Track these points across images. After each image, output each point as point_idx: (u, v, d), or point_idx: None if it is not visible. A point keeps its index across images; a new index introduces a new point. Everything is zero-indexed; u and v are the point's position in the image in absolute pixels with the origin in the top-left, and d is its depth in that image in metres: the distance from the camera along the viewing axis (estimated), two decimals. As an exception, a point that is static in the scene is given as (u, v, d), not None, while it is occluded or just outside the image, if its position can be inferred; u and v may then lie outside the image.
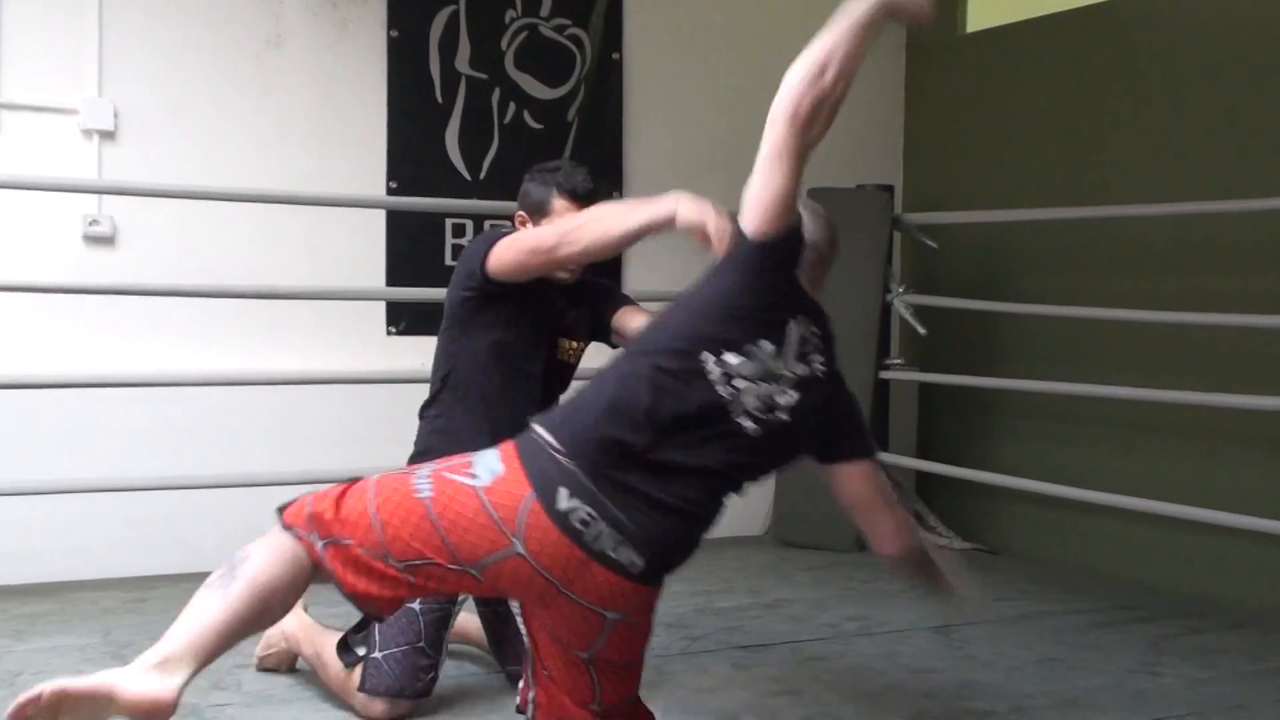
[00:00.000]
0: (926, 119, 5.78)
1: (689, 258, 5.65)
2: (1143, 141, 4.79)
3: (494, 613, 3.25)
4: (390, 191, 4.87)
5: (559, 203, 3.06)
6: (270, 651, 3.34)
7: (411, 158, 4.90)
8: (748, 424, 2.26)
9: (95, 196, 4.42)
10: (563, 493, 2.14)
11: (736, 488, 2.36)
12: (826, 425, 2.38)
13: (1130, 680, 3.34)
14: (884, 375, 5.22)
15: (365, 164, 4.87)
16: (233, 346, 4.58)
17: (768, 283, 2.33)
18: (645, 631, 2.35)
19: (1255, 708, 3.13)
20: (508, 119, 5.08)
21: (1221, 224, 4.44)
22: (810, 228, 2.47)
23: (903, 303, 5.17)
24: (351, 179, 4.80)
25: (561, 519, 2.13)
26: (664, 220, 2.66)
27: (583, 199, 3.05)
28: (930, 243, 5.23)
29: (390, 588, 2.17)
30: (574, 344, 3.21)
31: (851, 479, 2.43)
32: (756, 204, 2.36)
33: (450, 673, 3.27)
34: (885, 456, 5.21)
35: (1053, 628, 3.89)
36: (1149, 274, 4.75)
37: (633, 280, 5.29)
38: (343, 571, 2.15)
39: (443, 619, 3.03)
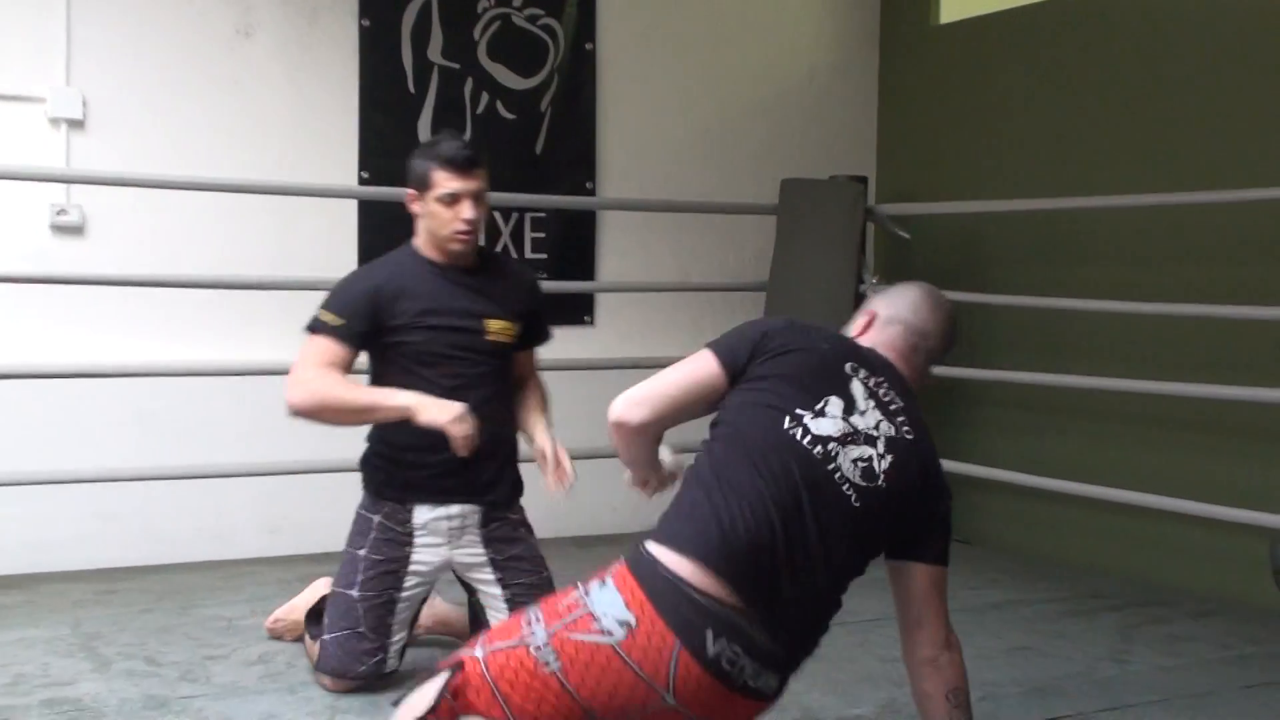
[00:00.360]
0: (900, 110, 5.79)
1: (658, 249, 5.64)
2: (1117, 132, 4.81)
3: (478, 603, 3.25)
4: (362, 182, 4.85)
5: (439, 174, 3.10)
6: (279, 623, 3.53)
7: (383, 148, 4.87)
8: (852, 494, 2.20)
9: (63, 186, 4.39)
10: (709, 636, 2.05)
11: (853, 571, 2.27)
12: (917, 510, 2.30)
13: (1099, 668, 3.36)
14: (857, 366, 5.22)
15: (337, 154, 4.85)
16: (202, 337, 4.55)
17: (778, 362, 2.30)
18: None
19: (1222, 694, 3.16)
20: (480, 109, 5.06)
21: (1195, 215, 4.47)
22: (916, 309, 2.46)
23: (876, 294, 5.17)
24: (323, 169, 4.78)
25: (713, 664, 2.05)
26: (398, 411, 3.01)
27: (461, 167, 3.09)
28: (904, 233, 5.24)
29: None
30: (504, 324, 3.21)
31: (916, 575, 2.32)
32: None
33: (424, 662, 3.26)
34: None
35: (1023, 616, 3.91)
36: (1121, 265, 4.77)
37: (606, 271, 5.29)
38: None
39: (386, 604, 3.09)
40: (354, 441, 3.32)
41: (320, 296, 4.68)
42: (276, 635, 3.52)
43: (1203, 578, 4.40)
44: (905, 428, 2.29)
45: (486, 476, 3.15)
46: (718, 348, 2.36)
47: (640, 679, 2.04)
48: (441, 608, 3.48)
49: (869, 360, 2.36)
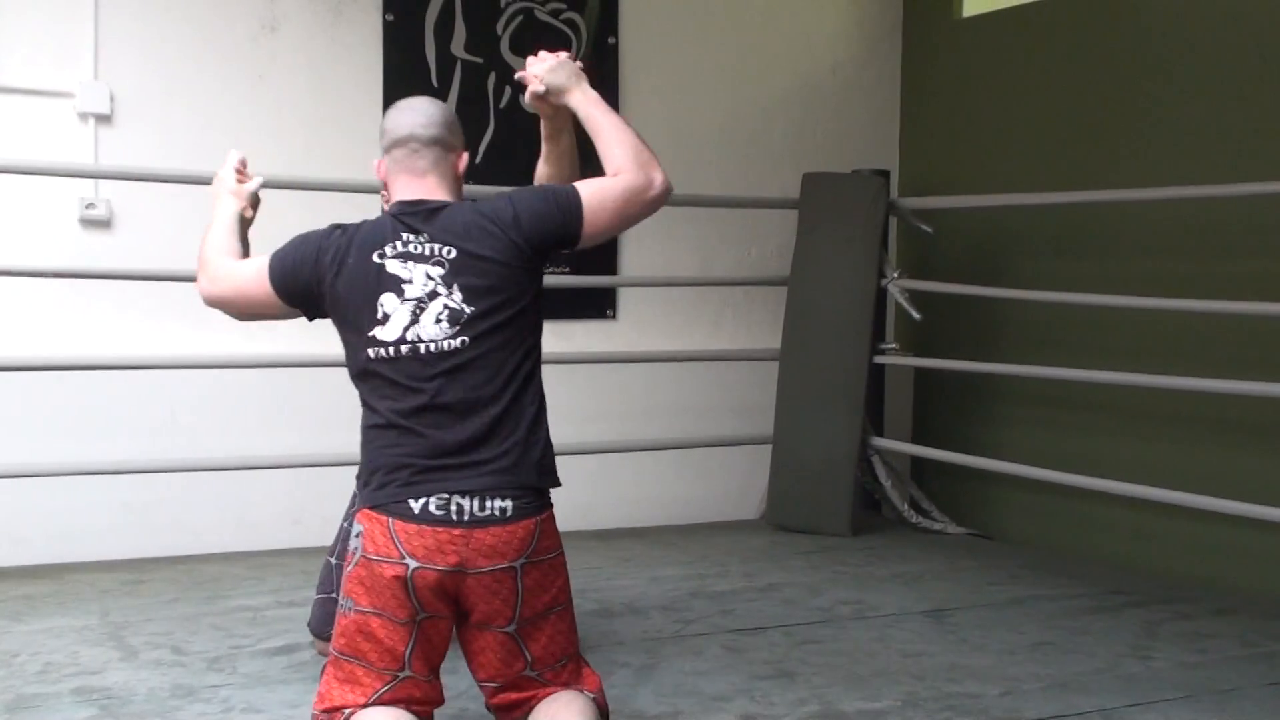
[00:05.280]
0: (923, 103, 5.78)
1: (680, 244, 5.64)
2: (1140, 125, 4.79)
3: None
4: (386, 176, 4.87)
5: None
6: None
7: (407, 142, 4.89)
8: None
9: (92, 180, 4.43)
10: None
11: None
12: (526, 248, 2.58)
13: (1121, 664, 3.36)
14: (879, 360, 5.23)
15: (361, 148, 4.85)
16: (230, 330, 4.55)
17: None
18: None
19: (1246, 691, 3.15)
20: (503, 103, 5.08)
21: (1219, 208, 4.45)
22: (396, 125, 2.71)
23: (898, 287, 5.17)
24: (347, 163, 4.79)
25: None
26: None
27: None
28: (926, 227, 5.24)
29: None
30: None
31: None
32: None
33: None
34: (880, 442, 5.23)
35: (1045, 612, 3.91)
36: (1144, 259, 4.76)
37: (628, 265, 5.30)
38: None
39: None
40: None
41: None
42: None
43: (1226, 574, 4.38)
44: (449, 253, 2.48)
45: None
46: None
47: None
48: None
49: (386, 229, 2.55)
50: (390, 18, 4.89)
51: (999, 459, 4.97)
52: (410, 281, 2.46)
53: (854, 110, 5.78)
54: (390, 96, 4.88)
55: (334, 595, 3.25)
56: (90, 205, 4.44)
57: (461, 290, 2.46)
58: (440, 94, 4.95)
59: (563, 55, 2.76)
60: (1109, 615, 3.88)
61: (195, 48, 4.61)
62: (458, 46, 5.01)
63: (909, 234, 5.53)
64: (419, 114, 2.63)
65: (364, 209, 4.77)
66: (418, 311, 2.45)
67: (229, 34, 4.66)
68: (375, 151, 4.94)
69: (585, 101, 2.70)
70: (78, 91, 4.43)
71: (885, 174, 5.36)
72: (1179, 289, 4.49)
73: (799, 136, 5.63)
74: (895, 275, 5.19)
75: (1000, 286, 5.02)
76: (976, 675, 3.23)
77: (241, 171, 2.87)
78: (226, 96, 4.65)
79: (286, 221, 4.63)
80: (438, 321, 2.44)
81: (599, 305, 5.25)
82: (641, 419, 5.29)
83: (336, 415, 4.67)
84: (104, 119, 4.47)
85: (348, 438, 4.74)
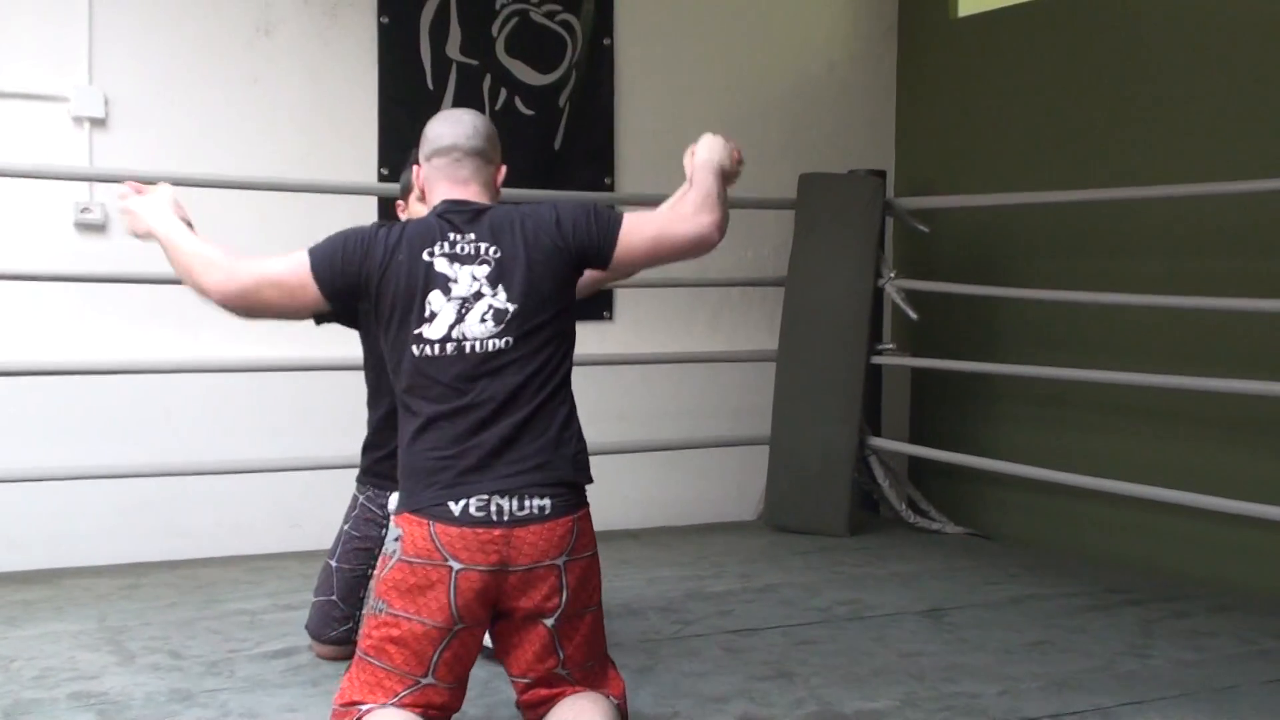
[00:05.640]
0: (919, 103, 5.79)
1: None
2: (1136, 124, 4.80)
3: None
4: (382, 178, 4.87)
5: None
6: None
7: (403, 144, 4.86)
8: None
9: (87, 184, 4.43)
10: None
11: None
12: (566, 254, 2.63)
13: (1119, 663, 3.36)
14: (876, 360, 5.23)
15: (356, 151, 4.87)
16: (225, 333, 4.57)
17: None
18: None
19: (1243, 690, 3.15)
20: (499, 105, 5.07)
21: (1215, 207, 4.45)
22: (439, 135, 2.68)
23: (894, 287, 5.17)
24: (343, 166, 4.80)
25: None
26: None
27: None
28: (922, 227, 5.24)
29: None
30: None
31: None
32: None
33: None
34: (878, 442, 5.23)
35: (1043, 611, 3.91)
36: (1140, 258, 4.76)
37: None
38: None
39: (359, 578, 3.27)
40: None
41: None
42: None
43: (1223, 572, 4.39)
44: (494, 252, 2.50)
45: None
46: None
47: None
48: None
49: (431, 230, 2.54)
50: (385, 20, 4.89)
51: (996, 458, 4.97)
52: (456, 281, 2.49)
53: (850, 110, 5.78)
54: (385, 99, 4.89)
55: (333, 598, 3.26)
56: (85, 209, 4.44)
57: (506, 291, 2.49)
58: (436, 96, 4.96)
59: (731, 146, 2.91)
60: (1106, 614, 3.88)
61: (190, 51, 4.61)
62: (453, 49, 5.00)
63: (905, 234, 5.53)
64: (462, 125, 2.65)
65: (359, 211, 4.80)
66: (463, 310, 2.47)
67: (224, 37, 4.65)
68: (371, 154, 5.00)
69: (705, 168, 2.90)
70: (72, 96, 4.42)
71: (882, 174, 5.36)
72: (1176, 287, 4.49)
73: (795, 137, 5.63)
74: (892, 275, 5.19)
75: (997, 286, 5.03)
76: (974, 674, 3.23)
77: (139, 190, 2.80)
78: (221, 100, 4.65)
79: (281, 224, 4.67)
80: (483, 321, 2.47)
81: (596, 306, 5.24)
82: (638, 420, 5.29)
83: (335, 419, 4.69)
84: (98, 123, 4.47)
85: (346, 441, 4.76)
